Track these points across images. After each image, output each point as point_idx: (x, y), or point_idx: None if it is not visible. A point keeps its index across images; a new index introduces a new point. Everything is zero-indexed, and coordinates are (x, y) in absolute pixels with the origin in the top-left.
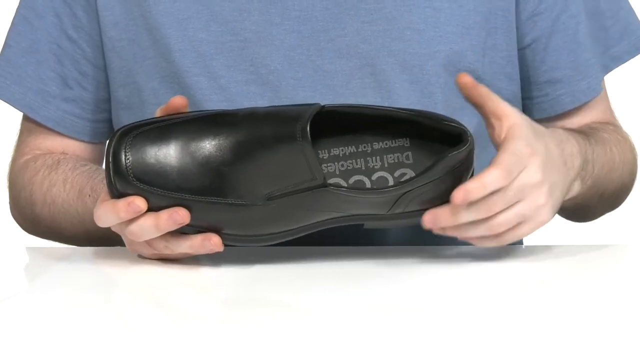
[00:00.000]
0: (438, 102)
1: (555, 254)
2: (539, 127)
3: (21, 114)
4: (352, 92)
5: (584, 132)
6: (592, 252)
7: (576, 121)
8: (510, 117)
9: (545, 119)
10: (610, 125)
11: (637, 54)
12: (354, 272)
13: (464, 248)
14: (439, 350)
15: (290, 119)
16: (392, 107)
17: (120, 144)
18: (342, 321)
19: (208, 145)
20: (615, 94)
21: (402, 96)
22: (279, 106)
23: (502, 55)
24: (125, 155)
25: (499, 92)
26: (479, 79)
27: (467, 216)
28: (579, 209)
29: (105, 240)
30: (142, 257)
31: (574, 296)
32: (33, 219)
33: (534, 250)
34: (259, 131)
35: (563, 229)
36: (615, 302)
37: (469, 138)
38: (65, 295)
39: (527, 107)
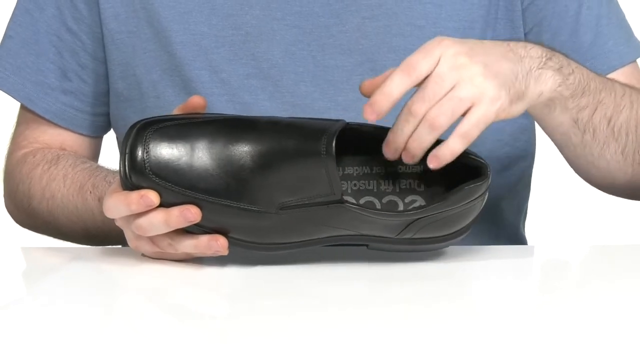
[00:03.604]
0: None
1: (557, 253)
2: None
3: (18, 106)
4: (353, 88)
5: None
6: (594, 252)
7: None
8: None
9: None
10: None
11: None
12: (357, 270)
13: (466, 247)
14: (440, 349)
15: (315, 132)
16: None
17: (138, 137)
18: (345, 318)
19: (230, 149)
20: None
21: None
22: (301, 118)
23: None
24: (144, 149)
25: None
26: None
27: (407, 125)
28: (593, 142)
29: (102, 238)
30: (145, 257)
31: (576, 296)
32: (29, 213)
33: (535, 249)
34: (283, 141)
35: (564, 229)
36: (616, 302)
37: (488, 172)
38: (67, 296)
39: None
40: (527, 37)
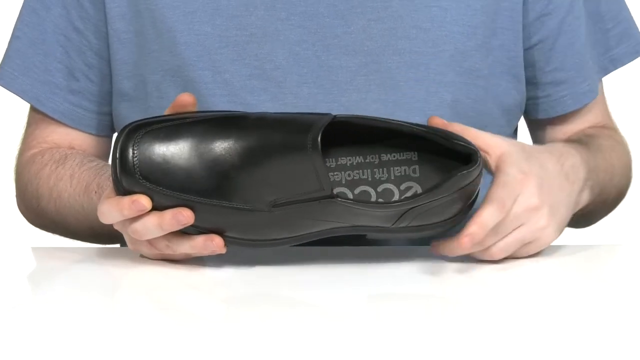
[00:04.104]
0: (445, 100)
1: (557, 253)
2: (533, 148)
3: (24, 107)
4: (357, 89)
5: (583, 141)
6: (593, 252)
7: (575, 122)
8: (496, 148)
9: (545, 120)
10: (607, 129)
11: (636, 57)
12: (356, 271)
13: None
14: (439, 348)
15: (301, 128)
16: (404, 122)
17: (128, 141)
18: (344, 319)
19: (217, 149)
20: (614, 96)
21: (407, 94)
22: (290, 113)
23: (509, 55)
24: (133, 153)
25: (505, 92)
26: (483, 78)
27: (469, 250)
28: (585, 217)
29: (110, 237)
30: (145, 257)
31: (575, 296)
32: (38, 213)
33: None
34: (270, 138)
35: (564, 230)
36: (616, 302)
37: (479, 159)
38: (68, 296)
39: (528, 107)
40: (531, 51)
